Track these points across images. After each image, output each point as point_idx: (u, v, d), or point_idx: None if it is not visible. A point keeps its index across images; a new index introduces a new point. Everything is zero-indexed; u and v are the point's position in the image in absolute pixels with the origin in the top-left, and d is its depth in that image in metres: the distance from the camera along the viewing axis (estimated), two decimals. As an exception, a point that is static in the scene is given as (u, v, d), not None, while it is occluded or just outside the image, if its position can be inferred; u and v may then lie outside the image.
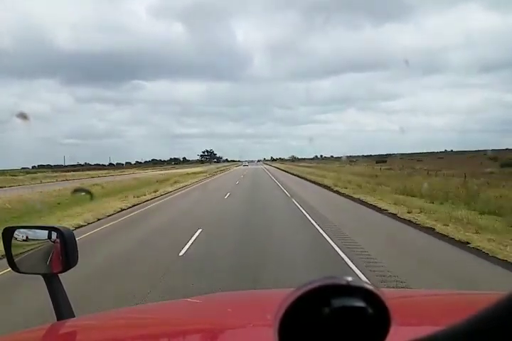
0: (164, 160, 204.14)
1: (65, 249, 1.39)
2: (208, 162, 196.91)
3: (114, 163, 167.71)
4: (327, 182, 26.70)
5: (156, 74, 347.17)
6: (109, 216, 14.28)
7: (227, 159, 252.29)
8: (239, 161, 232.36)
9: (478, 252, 7.72)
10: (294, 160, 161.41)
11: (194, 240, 9.09)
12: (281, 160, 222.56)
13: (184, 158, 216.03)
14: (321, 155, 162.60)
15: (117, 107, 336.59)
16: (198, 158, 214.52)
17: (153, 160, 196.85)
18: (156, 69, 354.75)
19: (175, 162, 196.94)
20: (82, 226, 12.03)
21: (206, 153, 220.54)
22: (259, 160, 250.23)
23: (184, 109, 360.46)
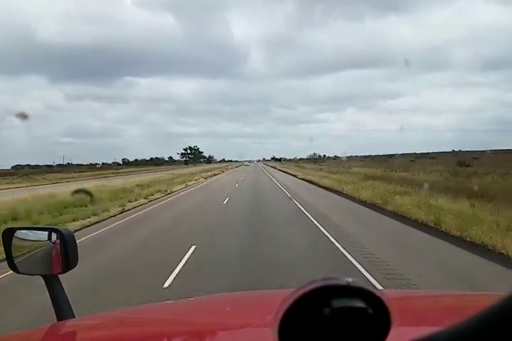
0: (146, 160, 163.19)
1: (65, 250, 1.40)
2: (191, 163, 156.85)
3: (100, 162, 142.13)
4: None
5: (149, 70, 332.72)
6: None
7: (224, 159, 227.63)
8: (236, 161, 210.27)
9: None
10: (316, 161, 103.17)
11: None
12: (285, 160, 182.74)
13: (170, 158, 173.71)
14: (324, 155, 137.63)
15: (107, 104, 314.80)
16: (180, 157, 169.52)
17: (123, 160, 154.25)
18: (149, 65, 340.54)
19: (156, 163, 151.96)
20: None
21: (189, 151, 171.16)
22: (258, 160, 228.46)
23: (179, 107, 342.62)
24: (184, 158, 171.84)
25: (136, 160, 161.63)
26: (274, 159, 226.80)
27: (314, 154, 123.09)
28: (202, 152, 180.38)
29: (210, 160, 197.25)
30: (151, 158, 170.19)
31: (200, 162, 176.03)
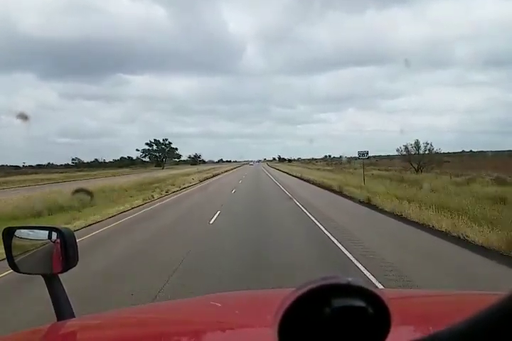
0: (111, 161, 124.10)
1: (65, 249, 1.40)
2: (162, 163, 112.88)
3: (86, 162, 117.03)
4: None
5: (142, 68, 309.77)
6: None
7: (221, 159, 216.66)
8: (235, 162, 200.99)
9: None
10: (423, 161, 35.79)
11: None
12: (294, 161, 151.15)
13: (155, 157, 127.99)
14: (329, 155, 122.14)
15: (98, 103, 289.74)
16: (141, 155, 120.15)
17: (73, 160, 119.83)
18: (142, 62, 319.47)
19: (123, 164, 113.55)
20: None
21: (155, 147, 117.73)
22: (259, 161, 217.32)
23: (175, 106, 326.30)
24: (147, 156, 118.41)
25: (95, 160, 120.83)
26: (278, 159, 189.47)
27: (417, 145, 38.83)
28: (176, 148, 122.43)
29: (196, 160, 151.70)
30: (121, 158, 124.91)
31: (178, 162, 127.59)
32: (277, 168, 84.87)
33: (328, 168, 61.88)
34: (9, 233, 1.49)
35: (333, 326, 0.46)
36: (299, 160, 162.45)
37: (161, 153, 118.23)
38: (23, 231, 1.54)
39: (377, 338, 0.47)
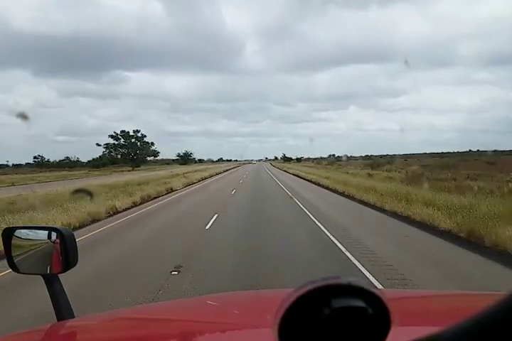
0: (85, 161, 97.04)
1: (65, 250, 1.40)
2: (137, 164, 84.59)
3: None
4: None
5: (140, 65, 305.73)
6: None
7: (221, 158, 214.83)
8: (235, 161, 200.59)
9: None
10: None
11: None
12: (301, 160, 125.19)
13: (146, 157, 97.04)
14: (334, 154, 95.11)
15: (94, 100, 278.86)
16: (104, 151, 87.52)
17: (34, 159, 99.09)
18: (140, 60, 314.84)
19: (98, 163, 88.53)
20: None
21: (123, 141, 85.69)
22: (259, 160, 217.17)
23: (174, 105, 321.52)
24: (109, 153, 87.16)
25: (67, 158, 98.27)
26: (283, 158, 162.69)
27: None
28: (152, 143, 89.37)
29: (186, 158, 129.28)
30: (100, 156, 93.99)
31: (154, 161, 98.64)
32: (295, 172, 44.82)
33: (391, 174, 29.24)
34: (9, 233, 1.49)
35: (333, 326, 0.45)
36: (302, 159, 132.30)
37: (130, 149, 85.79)
38: (22, 231, 1.54)
39: (377, 338, 0.46)
